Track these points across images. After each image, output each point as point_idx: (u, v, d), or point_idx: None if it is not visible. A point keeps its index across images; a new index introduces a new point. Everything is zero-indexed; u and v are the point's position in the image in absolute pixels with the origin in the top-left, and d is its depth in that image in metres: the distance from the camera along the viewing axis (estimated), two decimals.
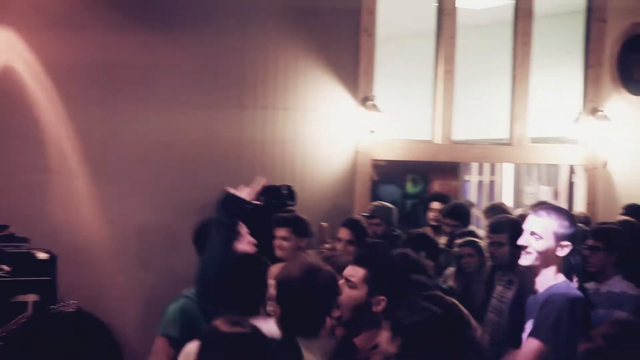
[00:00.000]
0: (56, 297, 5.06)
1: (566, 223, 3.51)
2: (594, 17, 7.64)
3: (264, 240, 4.80)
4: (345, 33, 6.63)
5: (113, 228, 5.79)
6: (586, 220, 6.84)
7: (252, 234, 5.07)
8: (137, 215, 5.86)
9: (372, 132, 6.66)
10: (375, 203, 6.73)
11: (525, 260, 3.53)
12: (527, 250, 3.51)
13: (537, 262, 3.49)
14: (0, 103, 5.46)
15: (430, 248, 5.25)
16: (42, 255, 5.12)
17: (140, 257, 5.87)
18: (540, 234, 3.48)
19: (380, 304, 3.04)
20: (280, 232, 4.92)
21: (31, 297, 4.88)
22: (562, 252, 3.50)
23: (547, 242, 3.48)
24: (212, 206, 5.68)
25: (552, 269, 3.52)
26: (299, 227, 4.99)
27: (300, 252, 4.81)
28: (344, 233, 5.14)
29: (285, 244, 4.87)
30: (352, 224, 5.27)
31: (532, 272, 3.57)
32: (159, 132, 5.90)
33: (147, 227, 5.89)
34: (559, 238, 3.49)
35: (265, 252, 4.75)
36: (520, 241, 3.53)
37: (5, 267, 4.51)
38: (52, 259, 5.14)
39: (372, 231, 6.02)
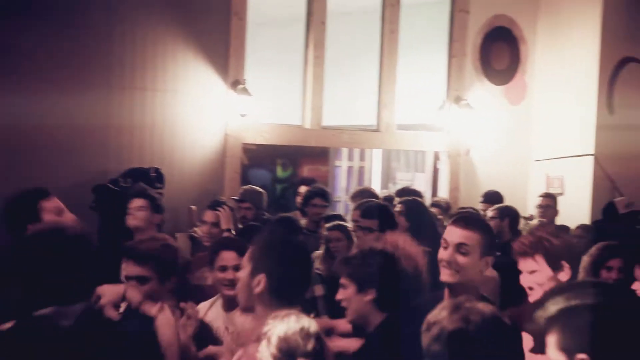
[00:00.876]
0: None
1: None
2: (457, 8, 7.93)
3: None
4: (216, 16, 6.61)
5: None
6: (447, 206, 7.09)
7: (118, 215, 5.07)
8: None
9: (243, 115, 6.67)
10: (246, 187, 6.74)
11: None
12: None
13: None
14: None
15: (296, 231, 5.30)
16: None
17: None
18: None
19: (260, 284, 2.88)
20: (137, 202, 4.86)
21: None
22: None
23: None
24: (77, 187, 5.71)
25: None
26: (155, 202, 4.95)
27: (153, 228, 4.77)
28: (209, 216, 5.13)
29: (140, 213, 4.82)
30: (217, 206, 5.26)
31: None
32: (19, 118, 5.68)
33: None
34: None
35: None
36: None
37: None
38: None
39: (243, 215, 6.03)
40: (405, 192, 6.76)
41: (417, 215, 5.32)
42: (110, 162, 6.03)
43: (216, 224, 5.06)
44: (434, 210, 6.51)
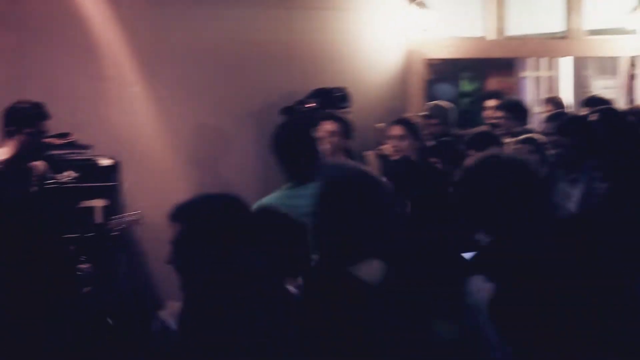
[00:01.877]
0: (121, 203, 5.26)
1: None
2: None
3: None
4: None
5: (169, 132, 5.90)
6: None
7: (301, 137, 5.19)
8: (191, 118, 5.96)
9: (425, 30, 6.59)
10: (432, 103, 6.69)
11: None
12: None
13: None
14: (55, 13, 5.56)
15: (494, 146, 5.15)
16: (105, 162, 5.26)
17: (196, 160, 5.98)
18: None
19: None
20: (328, 126, 4.90)
21: (99, 202, 5.07)
22: None
23: None
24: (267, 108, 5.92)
25: None
26: (346, 126, 4.98)
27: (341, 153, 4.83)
28: (396, 130, 5.15)
29: (330, 138, 4.88)
30: (403, 121, 5.26)
31: None
32: (209, 34, 5.95)
33: (202, 130, 5.99)
34: None
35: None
36: None
37: (72, 173, 4.60)
38: (115, 164, 5.29)
39: (430, 131, 5.99)
40: (594, 101, 6.45)
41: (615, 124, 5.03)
42: (296, 83, 6.17)
43: (403, 137, 5.06)
44: None
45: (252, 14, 6.07)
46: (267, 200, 3.89)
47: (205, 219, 2.46)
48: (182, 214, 2.50)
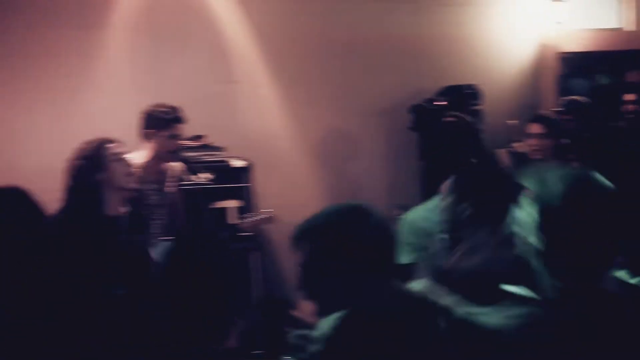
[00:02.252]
0: (254, 204, 5.30)
1: None
2: None
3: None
4: None
5: (299, 133, 5.90)
6: None
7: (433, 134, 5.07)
8: (320, 118, 5.94)
9: (558, 23, 6.34)
10: (567, 98, 6.43)
11: None
12: None
13: None
14: (187, 18, 5.64)
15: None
16: (238, 163, 5.33)
17: (325, 160, 5.95)
18: None
19: None
20: (535, 128, 4.81)
21: (233, 203, 5.16)
22: None
23: None
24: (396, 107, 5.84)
25: None
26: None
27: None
28: (535, 128, 4.96)
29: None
30: (542, 119, 5.07)
31: None
32: (337, 34, 5.93)
33: (331, 130, 5.96)
34: None
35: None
36: None
37: (209, 175, 4.63)
38: (248, 166, 5.34)
39: (566, 128, 5.75)
40: None
41: None
42: (425, 80, 6.06)
43: (543, 136, 4.88)
44: None
45: (383, 10, 6.00)
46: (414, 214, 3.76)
47: (334, 237, 2.18)
48: (308, 233, 2.24)
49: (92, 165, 3.77)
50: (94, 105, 5.38)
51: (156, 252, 4.45)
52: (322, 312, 2.19)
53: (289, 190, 5.78)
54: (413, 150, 5.79)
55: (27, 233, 2.77)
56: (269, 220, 4.72)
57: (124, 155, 3.87)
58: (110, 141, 3.87)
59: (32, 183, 3.23)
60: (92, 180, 3.75)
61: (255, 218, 4.68)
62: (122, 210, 3.87)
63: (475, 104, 5.75)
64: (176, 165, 4.63)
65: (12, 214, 2.77)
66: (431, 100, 5.80)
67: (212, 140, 5.43)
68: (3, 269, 2.56)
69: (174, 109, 4.49)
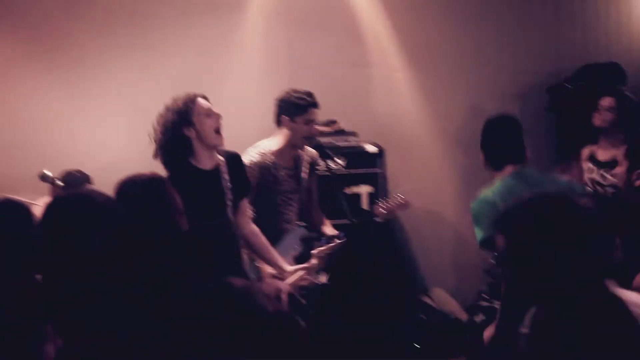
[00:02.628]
0: (386, 189, 5.30)
1: None
2: None
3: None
4: None
5: (433, 117, 5.80)
6: None
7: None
8: (455, 102, 5.82)
9: None
10: None
11: None
12: None
13: None
14: (322, 2, 5.64)
15: None
16: (371, 148, 5.32)
17: (460, 145, 5.78)
18: None
19: None
20: (607, 101, 4.71)
21: (365, 189, 5.18)
22: None
23: None
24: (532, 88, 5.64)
25: None
26: (625, 103, 4.69)
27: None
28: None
29: (606, 114, 4.65)
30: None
31: None
32: (470, 13, 5.80)
33: (466, 114, 5.81)
34: None
35: None
36: None
37: (342, 160, 4.60)
38: (381, 151, 5.33)
39: None
40: None
41: None
42: (562, 60, 5.82)
43: None
44: None
45: None
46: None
47: (540, 228, 2.10)
48: (509, 221, 2.18)
49: (181, 119, 3.79)
50: (224, 91, 5.35)
51: (290, 237, 4.51)
52: (514, 301, 2.21)
53: (423, 175, 5.72)
54: (549, 131, 5.63)
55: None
56: (403, 206, 4.65)
57: (214, 111, 3.88)
58: (201, 96, 3.87)
59: None
60: (180, 134, 3.78)
61: (390, 204, 4.60)
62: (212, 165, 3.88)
63: (618, 84, 5.46)
64: (310, 151, 4.65)
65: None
66: (569, 81, 5.57)
67: (345, 125, 5.44)
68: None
69: (308, 94, 4.50)
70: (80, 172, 4.77)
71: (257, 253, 4.20)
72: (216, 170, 3.91)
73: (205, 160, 3.88)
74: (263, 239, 4.19)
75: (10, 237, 2.57)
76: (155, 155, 3.85)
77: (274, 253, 4.22)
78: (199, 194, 3.70)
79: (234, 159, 4.06)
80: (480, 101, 5.78)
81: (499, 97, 5.75)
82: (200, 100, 3.87)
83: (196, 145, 3.83)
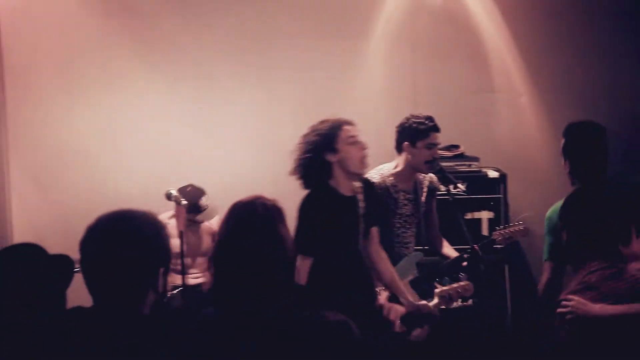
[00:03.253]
0: (507, 215, 5.18)
1: None
2: None
3: None
4: None
5: (556, 141, 5.45)
6: None
7: None
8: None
9: None
10: None
11: None
12: None
13: None
14: (447, 27, 5.61)
15: None
16: (492, 173, 5.24)
17: None
18: None
19: None
20: None
21: (485, 214, 5.12)
22: None
23: None
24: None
25: None
26: None
27: None
28: None
29: None
30: None
31: None
32: (599, 37, 5.67)
33: None
34: None
35: None
36: None
37: (463, 185, 4.61)
38: (502, 176, 5.24)
39: None
40: None
41: None
42: None
43: None
44: None
45: None
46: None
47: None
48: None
49: (324, 143, 3.73)
50: (347, 115, 5.33)
51: (407, 261, 4.46)
52: None
53: (545, 202, 5.36)
54: None
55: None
56: (524, 232, 4.57)
57: (360, 139, 3.79)
58: (347, 123, 3.78)
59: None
60: (322, 158, 3.72)
61: (510, 230, 4.53)
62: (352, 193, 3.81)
63: None
64: (430, 176, 4.62)
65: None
66: None
67: (467, 150, 5.40)
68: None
69: (429, 119, 4.46)
70: (192, 186, 4.90)
71: (383, 280, 4.11)
72: (354, 196, 3.88)
73: (345, 186, 3.83)
74: (390, 267, 4.11)
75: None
76: (293, 173, 3.81)
77: (399, 282, 4.11)
78: (336, 218, 3.70)
79: (369, 185, 4.03)
80: (609, 125, 5.57)
81: (632, 120, 5.59)
82: (347, 127, 3.80)
83: (336, 170, 3.78)
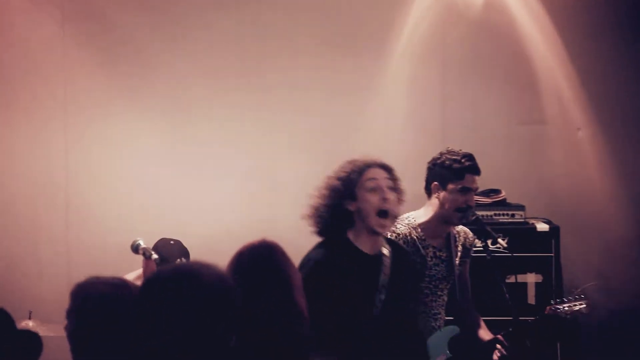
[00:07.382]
0: (561, 279, 4.80)
1: None
2: None
3: None
4: None
5: (625, 188, 5.25)
6: None
7: None
8: None
9: None
10: None
11: None
12: None
13: None
14: (486, 42, 5.27)
15: None
16: (541, 226, 4.91)
17: None
18: None
19: None
20: None
21: (533, 278, 4.80)
22: None
23: None
24: None
25: None
26: None
27: None
28: None
29: None
30: None
31: None
32: None
33: None
34: None
35: None
36: None
37: (504, 241, 4.13)
38: (554, 230, 4.88)
39: None
40: None
41: None
42: None
43: None
44: None
45: None
46: None
47: None
48: None
49: (344, 189, 3.40)
50: (366, 142, 5.12)
51: (438, 337, 3.80)
52: None
53: (607, 263, 5.17)
54: None
55: None
56: (586, 310, 3.94)
57: (384, 186, 3.40)
58: (377, 164, 3.45)
59: None
60: (341, 207, 3.39)
61: (567, 308, 3.92)
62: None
63: None
64: (465, 230, 4.05)
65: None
66: None
67: (510, 196, 5.04)
68: None
69: (467, 157, 3.89)
70: (177, 242, 4.45)
71: None
72: (377, 257, 3.43)
73: (366, 242, 3.41)
74: None
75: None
76: (308, 220, 3.47)
77: None
78: (350, 279, 3.31)
79: (402, 253, 3.59)
80: None
81: None
82: (371, 170, 3.43)
83: (357, 222, 3.39)
